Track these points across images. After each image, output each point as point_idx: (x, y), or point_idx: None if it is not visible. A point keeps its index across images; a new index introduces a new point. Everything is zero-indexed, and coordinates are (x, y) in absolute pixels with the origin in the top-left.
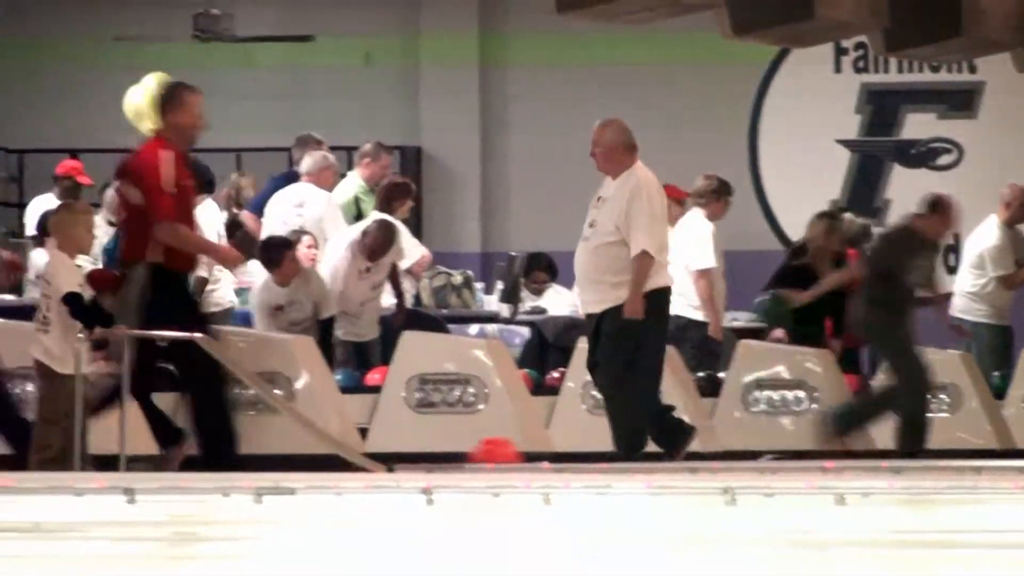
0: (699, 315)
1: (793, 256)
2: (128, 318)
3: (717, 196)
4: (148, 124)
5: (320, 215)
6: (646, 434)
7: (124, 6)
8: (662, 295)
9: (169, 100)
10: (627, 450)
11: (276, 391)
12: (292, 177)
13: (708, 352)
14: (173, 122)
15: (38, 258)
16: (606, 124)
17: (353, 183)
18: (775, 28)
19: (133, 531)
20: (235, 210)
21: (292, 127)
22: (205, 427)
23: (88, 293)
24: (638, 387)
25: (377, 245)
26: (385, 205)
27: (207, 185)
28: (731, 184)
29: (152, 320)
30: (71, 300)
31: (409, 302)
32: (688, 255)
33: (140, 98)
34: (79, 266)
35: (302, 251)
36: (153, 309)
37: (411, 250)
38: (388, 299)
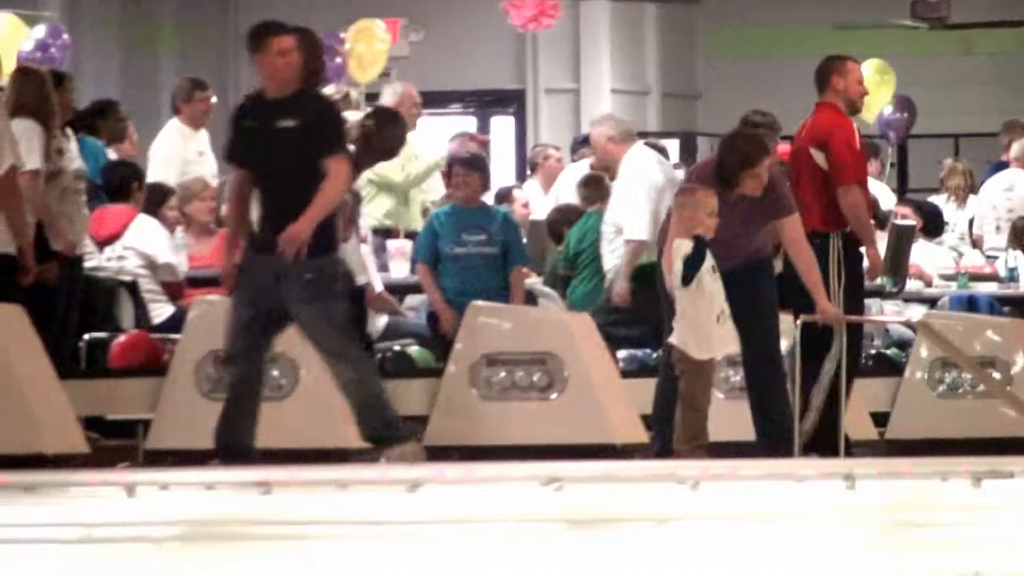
0: None
1: None
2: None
3: None
4: (869, 111)
5: None
6: None
7: None
8: None
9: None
10: None
11: (995, 374)
12: (1005, 164)
13: None
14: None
15: None
16: None
17: None
18: None
19: (853, 518)
20: (955, 199)
21: (1008, 112)
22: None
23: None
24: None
25: None
26: None
27: None
28: None
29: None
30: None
31: None
32: None
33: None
34: None
35: None
36: (847, 281)
37: None
38: None
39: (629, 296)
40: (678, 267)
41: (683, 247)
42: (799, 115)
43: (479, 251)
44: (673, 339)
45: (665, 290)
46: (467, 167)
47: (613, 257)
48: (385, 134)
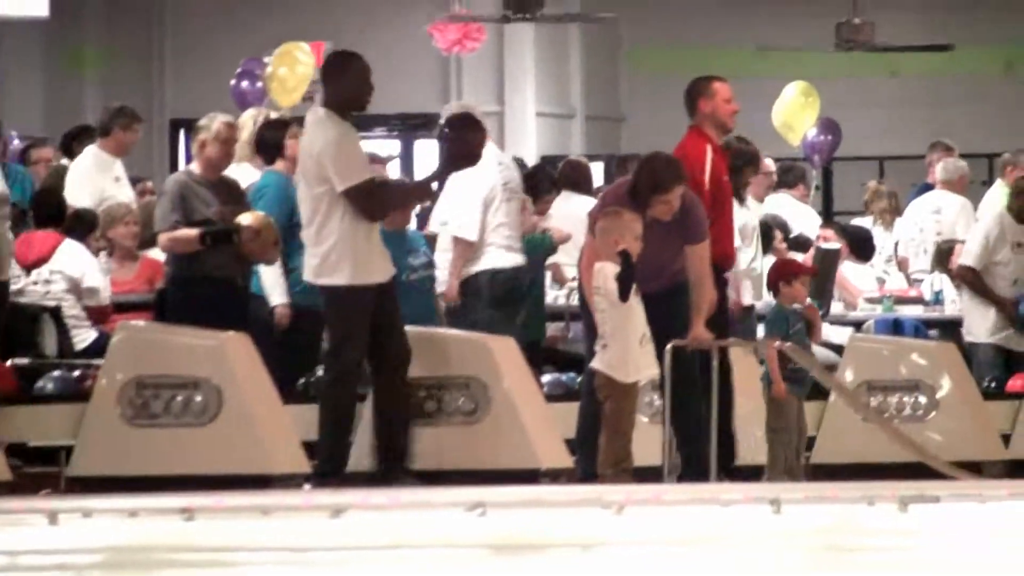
0: None
1: None
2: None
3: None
4: (794, 133)
5: (954, 220)
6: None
7: (771, 18)
8: None
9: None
10: None
11: (921, 398)
12: (931, 186)
13: None
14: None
15: None
16: None
17: (999, 191)
18: None
19: (779, 543)
20: (883, 219)
21: (933, 135)
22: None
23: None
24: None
25: None
26: None
27: None
28: None
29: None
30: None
31: None
32: None
33: (783, 108)
34: None
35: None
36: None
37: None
38: None
39: (458, 296)
40: (611, 287)
41: (607, 269)
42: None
43: (427, 274)
44: (596, 364)
45: (587, 312)
46: None
47: (440, 251)
48: (466, 139)
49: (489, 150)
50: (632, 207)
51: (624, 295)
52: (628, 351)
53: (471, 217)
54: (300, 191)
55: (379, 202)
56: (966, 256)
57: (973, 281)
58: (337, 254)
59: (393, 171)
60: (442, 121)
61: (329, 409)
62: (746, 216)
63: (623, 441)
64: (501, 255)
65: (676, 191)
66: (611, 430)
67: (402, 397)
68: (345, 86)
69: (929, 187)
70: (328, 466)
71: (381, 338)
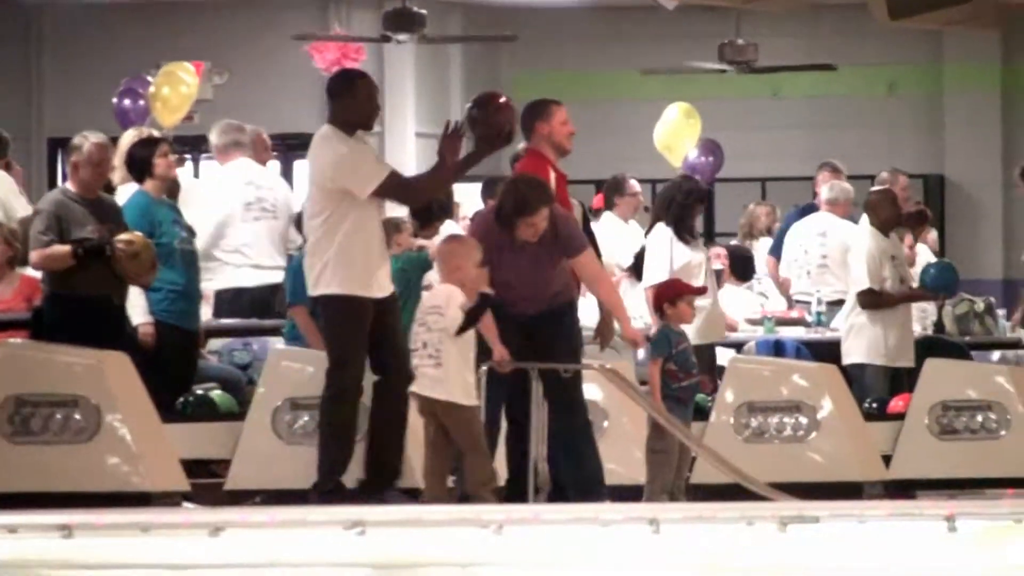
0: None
1: None
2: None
3: None
4: (675, 155)
5: (839, 244)
6: None
7: (653, 39)
8: None
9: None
10: None
11: (802, 419)
12: (813, 208)
13: None
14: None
15: None
16: None
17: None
18: (936, 12)
19: (658, 563)
20: (748, 242)
21: (816, 156)
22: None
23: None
24: None
25: None
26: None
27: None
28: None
29: None
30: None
31: (929, 328)
32: None
33: (665, 129)
34: None
35: None
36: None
37: None
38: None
39: None
40: (455, 314)
41: (456, 296)
42: (607, 159)
43: None
44: (436, 392)
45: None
46: None
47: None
48: (495, 120)
49: (241, 167)
50: (499, 230)
51: (461, 331)
52: (471, 375)
53: (201, 233)
54: (305, 206)
55: (412, 189)
56: (859, 283)
57: (876, 301)
58: (333, 265)
59: None
60: (469, 104)
61: (329, 425)
62: (690, 254)
63: (485, 461)
64: (246, 273)
65: (542, 213)
66: (472, 452)
67: (401, 417)
68: (351, 105)
69: (812, 207)
70: (328, 483)
71: (384, 356)
